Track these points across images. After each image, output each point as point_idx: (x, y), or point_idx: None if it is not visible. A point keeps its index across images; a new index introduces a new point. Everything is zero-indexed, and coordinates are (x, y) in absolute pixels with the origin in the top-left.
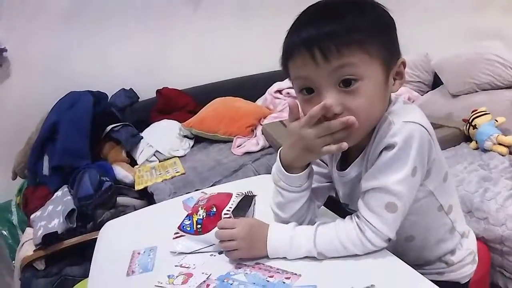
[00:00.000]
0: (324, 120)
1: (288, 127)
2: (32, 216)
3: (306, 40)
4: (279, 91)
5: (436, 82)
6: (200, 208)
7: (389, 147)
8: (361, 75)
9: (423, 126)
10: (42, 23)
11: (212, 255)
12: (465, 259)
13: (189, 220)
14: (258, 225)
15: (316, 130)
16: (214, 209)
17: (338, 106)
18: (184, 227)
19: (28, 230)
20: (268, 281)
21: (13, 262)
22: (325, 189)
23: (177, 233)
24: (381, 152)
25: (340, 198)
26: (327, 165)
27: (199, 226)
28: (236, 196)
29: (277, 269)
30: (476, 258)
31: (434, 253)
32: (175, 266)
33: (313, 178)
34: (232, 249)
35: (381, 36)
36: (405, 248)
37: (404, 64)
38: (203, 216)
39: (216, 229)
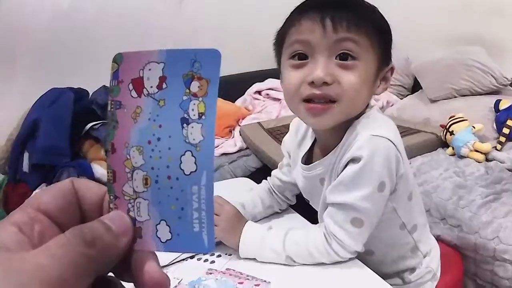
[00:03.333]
0: (311, 89)
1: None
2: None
3: (320, 7)
4: (259, 92)
5: (416, 86)
6: None
7: (354, 160)
8: (360, 56)
9: (391, 141)
10: (29, 16)
11: (185, 259)
12: (423, 277)
13: None
14: (238, 218)
15: None
16: None
17: (329, 76)
18: None
19: None
20: (237, 287)
21: None
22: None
23: None
24: (347, 164)
25: (301, 191)
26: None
27: None
28: None
29: (247, 275)
30: (438, 274)
31: (392, 268)
32: None
33: (285, 171)
34: None
35: (382, 35)
36: (364, 261)
37: (392, 70)
38: None
39: None
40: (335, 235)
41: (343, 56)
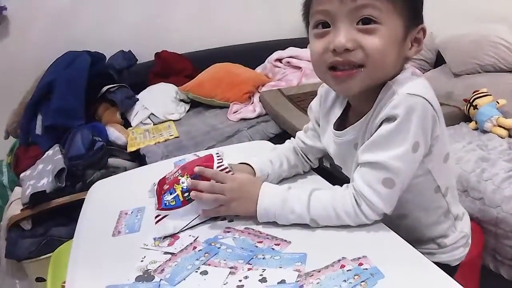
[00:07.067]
0: (334, 57)
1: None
2: (21, 175)
3: None
4: (279, 60)
5: (438, 62)
6: (181, 177)
7: (390, 119)
8: (382, 20)
9: (428, 101)
10: None
11: (202, 223)
12: (458, 241)
13: (171, 194)
14: (250, 182)
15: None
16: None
17: (350, 41)
18: (167, 204)
19: (17, 190)
20: (256, 246)
21: (1, 222)
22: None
23: (158, 215)
24: (381, 123)
25: (333, 158)
26: (319, 125)
27: (186, 194)
28: (217, 155)
29: (267, 235)
30: (469, 241)
31: (426, 235)
32: None
33: (309, 135)
34: (218, 204)
35: None
36: (396, 226)
37: (424, 31)
38: (188, 182)
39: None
40: (365, 196)
41: (365, 21)
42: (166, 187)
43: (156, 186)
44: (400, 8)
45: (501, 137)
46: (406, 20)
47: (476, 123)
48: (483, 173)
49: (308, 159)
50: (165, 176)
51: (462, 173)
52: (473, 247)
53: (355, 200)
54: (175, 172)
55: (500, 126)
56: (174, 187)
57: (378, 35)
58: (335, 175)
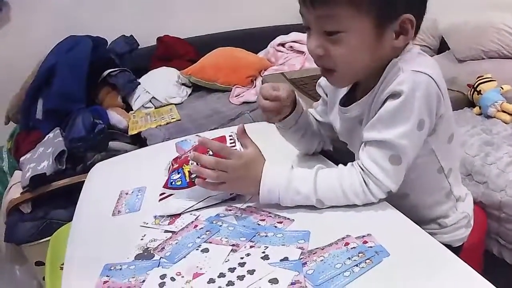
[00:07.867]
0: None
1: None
2: (21, 159)
3: None
4: (282, 45)
5: (441, 49)
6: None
7: (394, 95)
8: (345, 27)
9: (433, 78)
10: None
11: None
12: (459, 222)
13: (178, 173)
14: (255, 161)
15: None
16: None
17: (319, 48)
18: (173, 183)
19: (17, 173)
20: (259, 224)
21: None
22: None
23: (163, 193)
24: (385, 100)
25: (338, 134)
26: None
27: (194, 176)
28: (230, 136)
29: (269, 213)
30: (471, 222)
31: (427, 215)
32: None
33: (319, 111)
34: (220, 180)
35: None
36: (398, 205)
37: (410, 21)
38: (197, 163)
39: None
40: (373, 174)
41: (328, 32)
42: (175, 166)
43: (170, 165)
44: (365, 9)
45: (505, 123)
46: (376, 18)
47: (479, 108)
48: (487, 157)
49: (321, 133)
50: (179, 155)
51: (466, 157)
52: (476, 230)
53: (363, 179)
54: (187, 152)
55: (504, 112)
56: (183, 167)
57: (343, 43)
58: (335, 158)
